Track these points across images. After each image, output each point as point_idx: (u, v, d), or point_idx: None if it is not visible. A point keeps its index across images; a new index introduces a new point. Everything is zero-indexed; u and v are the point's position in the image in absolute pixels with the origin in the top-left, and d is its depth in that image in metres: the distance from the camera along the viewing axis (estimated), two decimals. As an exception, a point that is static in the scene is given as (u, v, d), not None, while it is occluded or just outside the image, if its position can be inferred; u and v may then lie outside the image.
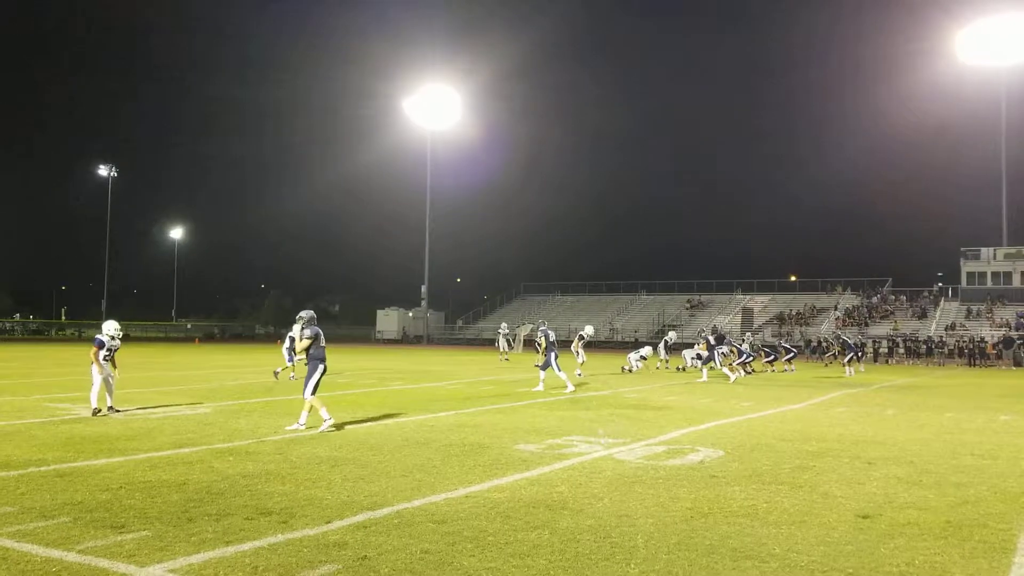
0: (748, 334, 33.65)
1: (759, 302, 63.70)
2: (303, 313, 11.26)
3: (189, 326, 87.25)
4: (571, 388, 17.81)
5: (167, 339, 72.59)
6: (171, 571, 4.89)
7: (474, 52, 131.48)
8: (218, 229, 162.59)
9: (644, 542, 5.68)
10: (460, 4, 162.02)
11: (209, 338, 74.80)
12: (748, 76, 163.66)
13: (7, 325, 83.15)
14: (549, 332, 18.65)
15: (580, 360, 24.17)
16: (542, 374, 18.37)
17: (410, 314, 74.23)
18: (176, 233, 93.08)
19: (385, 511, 6.43)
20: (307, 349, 10.92)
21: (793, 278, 70.18)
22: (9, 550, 5.21)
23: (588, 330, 25.17)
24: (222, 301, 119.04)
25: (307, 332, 10.95)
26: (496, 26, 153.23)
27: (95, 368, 12.39)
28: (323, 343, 11.07)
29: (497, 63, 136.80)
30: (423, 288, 72.53)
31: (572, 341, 25.63)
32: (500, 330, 35.58)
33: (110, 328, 12.71)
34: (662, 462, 8.85)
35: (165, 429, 10.98)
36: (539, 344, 18.68)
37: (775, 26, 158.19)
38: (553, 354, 18.23)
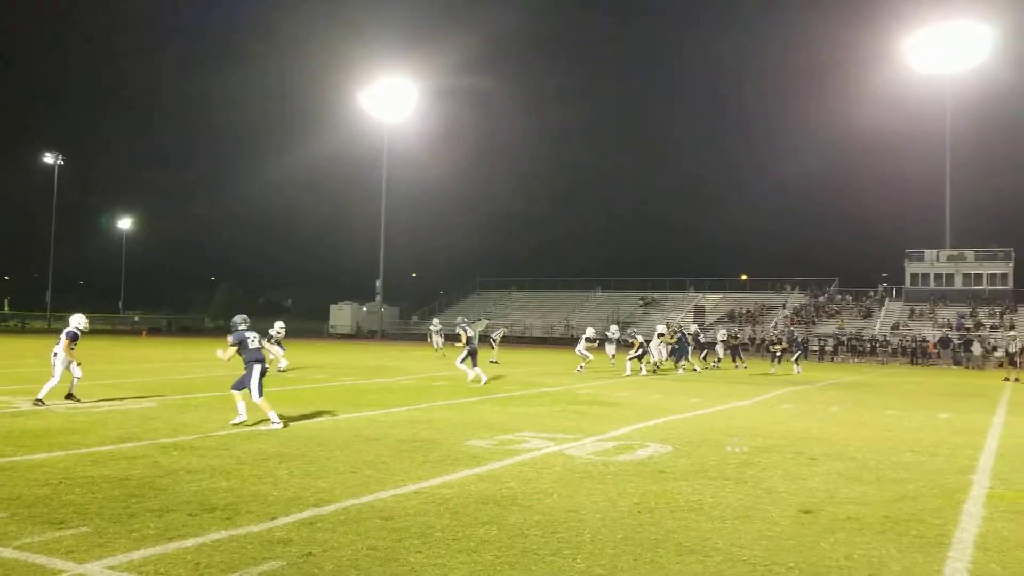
0: (694, 327, 33.67)
1: (711, 300, 64.49)
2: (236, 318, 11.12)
3: (136, 319, 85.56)
4: (472, 375, 18.93)
5: (113, 331, 71.06)
6: (110, 567, 4.80)
7: (432, 43, 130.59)
8: (169, 221, 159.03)
9: (591, 537, 5.72)
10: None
11: (156, 331, 73.47)
12: (704, 77, 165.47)
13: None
14: (468, 328, 19.71)
15: (585, 358, 25.35)
16: (477, 370, 19.05)
17: (364, 309, 73.67)
18: (125, 224, 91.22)
19: (332, 507, 6.38)
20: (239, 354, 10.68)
21: (744, 277, 71.30)
22: (-59, 547, 5.07)
23: (589, 332, 26.34)
24: (172, 294, 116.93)
25: (229, 339, 10.80)
26: (455, 16, 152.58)
27: (61, 360, 12.46)
28: (253, 344, 10.76)
29: (456, 54, 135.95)
30: (378, 283, 72.06)
31: (527, 337, 26.11)
32: (432, 326, 35.36)
33: (80, 322, 13.15)
34: (611, 458, 8.92)
35: (109, 423, 10.76)
36: (462, 339, 19.41)
37: (731, 29, 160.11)
38: (468, 350, 19.12)
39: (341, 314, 73.36)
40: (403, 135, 77.08)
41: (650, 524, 6.13)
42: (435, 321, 36.34)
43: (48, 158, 72.37)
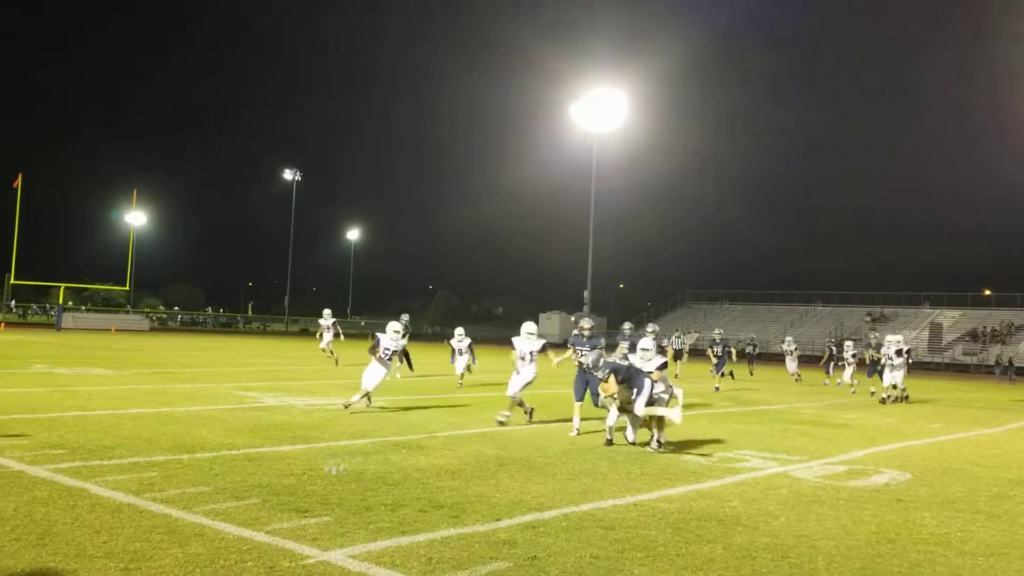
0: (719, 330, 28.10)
1: (949, 317, 59.32)
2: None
3: (363, 323, 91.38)
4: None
5: (344, 335, 76.31)
6: (351, 556, 5.07)
7: (642, 52, 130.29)
8: (391, 231, 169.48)
9: (825, 565, 5.36)
10: (629, 5, 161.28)
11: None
12: (939, 80, 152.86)
13: (200, 317, 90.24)
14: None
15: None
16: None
17: (572, 318, 74.42)
18: (353, 235, 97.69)
19: (552, 513, 6.41)
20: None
21: (988, 292, 64.71)
22: (205, 527, 5.57)
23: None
24: (393, 300, 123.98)
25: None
26: (665, 24, 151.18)
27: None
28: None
29: (666, 62, 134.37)
30: (586, 293, 72.52)
31: (742, 350, 25.16)
32: (322, 320, 24.99)
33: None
34: (843, 482, 8.36)
35: (343, 420, 11.49)
36: None
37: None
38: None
39: (550, 323, 74.59)
40: (612, 145, 77.18)
41: (891, 555, 5.67)
42: (326, 313, 25.34)
43: (288, 174, 78.91)
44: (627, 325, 16.79)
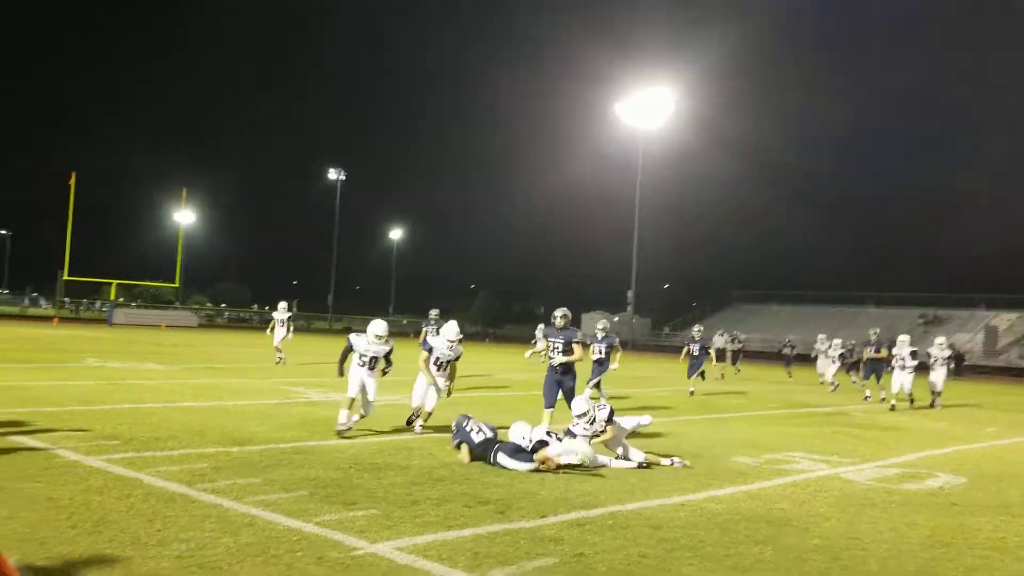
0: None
1: (1005, 319, 57.71)
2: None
3: (405, 322, 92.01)
4: None
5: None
6: (398, 548, 5.10)
7: (688, 47, 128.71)
8: (435, 231, 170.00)
9: (879, 567, 5.27)
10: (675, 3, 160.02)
11: (418, 335, 78.58)
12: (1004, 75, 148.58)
13: (246, 315, 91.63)
14: None
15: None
16: None
17: (616, 319, 74.02)
18: (395, 234, 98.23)
19: (598, 511, 6.38)
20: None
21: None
22: (256, 517, 5.64)
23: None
24: (434, 299, 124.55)
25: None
26: (715, 19, 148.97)
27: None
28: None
29: (715, 57, 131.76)
30: (629, 293, 72.14)
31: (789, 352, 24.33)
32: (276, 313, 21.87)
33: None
34: (895, 485, 8.20)
35: (385, 416, 11.55)
36: None
37: None
38: None
39: (593, 323, 74.27)
40: (657, 143, 76.58)
41: (945, 559, 5.56)
42: (281, 306, 22.23)
43: (332, 174, 79.60)
44: (559, 311, 10.51)
